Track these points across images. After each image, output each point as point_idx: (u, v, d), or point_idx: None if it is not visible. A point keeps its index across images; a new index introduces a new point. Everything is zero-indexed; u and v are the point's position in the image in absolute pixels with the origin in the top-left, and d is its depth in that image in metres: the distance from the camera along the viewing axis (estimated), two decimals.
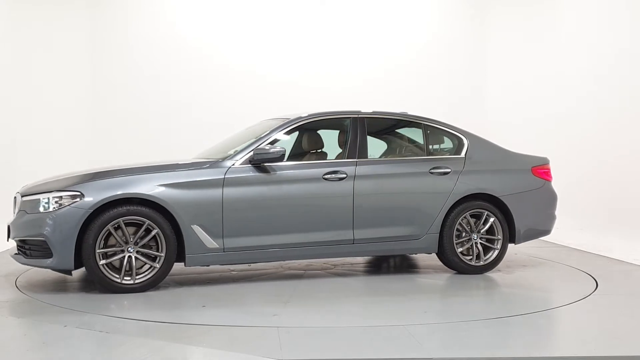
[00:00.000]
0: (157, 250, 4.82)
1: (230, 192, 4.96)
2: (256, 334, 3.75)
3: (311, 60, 10.13)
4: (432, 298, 4.89)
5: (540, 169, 5.95)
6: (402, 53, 10.28)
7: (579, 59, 9.12)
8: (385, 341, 3.60)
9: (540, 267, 6.07)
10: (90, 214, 4.64)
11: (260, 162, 5.07)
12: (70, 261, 4.63)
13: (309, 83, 9.92)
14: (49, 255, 4.65)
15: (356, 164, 5.36)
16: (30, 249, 4.79)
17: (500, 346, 3.63)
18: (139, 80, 9.91)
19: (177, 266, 5.04)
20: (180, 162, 5.15)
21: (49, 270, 5.05)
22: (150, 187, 4.78)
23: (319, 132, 5.72)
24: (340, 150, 5.60)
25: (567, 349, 3.67)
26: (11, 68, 9.34)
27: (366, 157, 5.45)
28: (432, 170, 5.56)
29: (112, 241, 4.75)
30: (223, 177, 4.98)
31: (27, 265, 4.91)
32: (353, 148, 5.45)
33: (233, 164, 5.06)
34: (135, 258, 4.77)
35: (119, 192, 4.70)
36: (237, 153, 5.16)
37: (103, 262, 4.69)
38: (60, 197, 4.69)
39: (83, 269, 4.79)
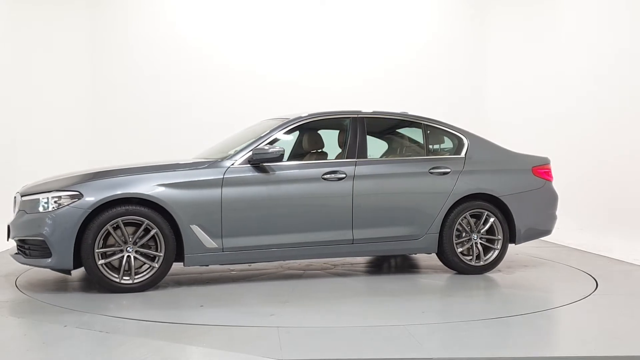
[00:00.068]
0: (156, 250, 4.82)
1: (229, 192, 4.96)
2: (256, 333, 3.75)
3: (311, 60, 10.12)
4: (432, 298, 4.89)
5: (540, 169, 5.95)
6: (402, 53, 10.27)
7: (579, 59, 9.11)
8: (385, 341, 3.60)
9: (540, 267, 6.07)
10: (90, 213, 4.64)
11: (259, 162, 5.07)
12: (69, 261, 4.63)
13: (309, 83, 9.91)
14: (48, 255, 4.65)
15: (355, 164, 5.36)
16: (30, 248, 4.79)
17: (500, 346, 3.62)
18: (139, 80, 9.90)
19: (177, 266, 5.04)
20: (179, 162, 5.14)
21: (49, 270, 5.06)
22: (149, 187, 4.78)
23: (319, 132, 5.72)
24: (340, 150, 5.60)
25: (567, 349, 3.66)
26: (11, 68, 9.34)
27: (365, 157, 5.45)
28: (432, 170, 5.56)
29: (111, 241, 4.76)
30: (222, 177, 4.98)
31: (27, 264, 4.91)
32: (352, 148, 5.44)
33: (232, 164, 5.06)
34: (134, 258, 4.77)
35: (117, 192, 4.71)
36: (236, 153, 5.16)
37: (102, 261, 4.69)
38: (60, 197, 4.69)
39: (83, 269, 4.79)
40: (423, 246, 5.51)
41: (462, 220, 5.55)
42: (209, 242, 4.90)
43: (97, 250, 4.67)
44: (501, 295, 5.02)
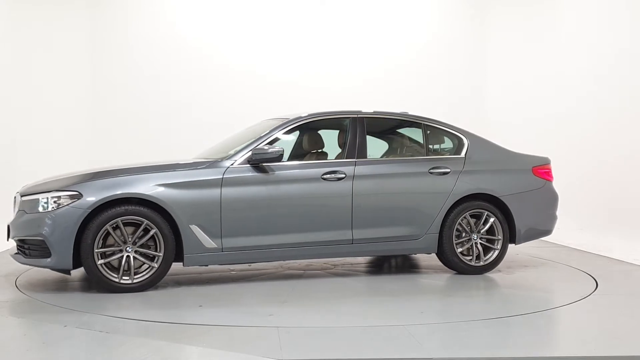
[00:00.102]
0: (156, 250, 4.82)
1: (228, 192, 4.96)
2: (256, 333, 3.75)
3: (311, 60, 10.12)
4: (432, 298, 4.89)
5: (541, 169, 5.94)
6: (402, 53, 10.27)
7: (579, 59, 9.11)
8: (385, 341, 3.60)
9: (540, 267, 6.07)
10: (89, 213, 4.64)
11: (258, 162, 5.07)
12: (68, 261, 4.63)
13: (309, 83, 9.91)
14: (48, 254, 4.65)
15: (355, 164, 5.36)
16: (30, 248, 4.80)
17: (500, 346, 3.62)
18: (139, 80, 9.90)
19: (176, 266, 5.04)
20: (178, 162, 5.14)
21: (49, 270, 5.06)
22: (149, 187, 4.78)
23: (319, 132, 5.71)
24: (340, 150, 5.60)
25: (567, 349, 3.66)
26: (11, 68, 9.33)
27: (365, 157, 5.45)
28: (432, 170, 5.56)
29: (111, 241, 4.76)
30: (221, 177, 4.98)
31: (27, 264, 4.92)
32: (352, 148, 5.44)
33: (232, 164, 5.06)
34: (134, 258, 4.77)
35: (117, 192, 4.71)
36: (235, 153, 5.16)
37: (101, 261, 4.70)
38: (59, 197, 4.70)
39: (82, 269, 4.78)
40: (423, 246, 5.50)
41: (462, 220, 5.54)
42: (208, 242, 4.90)
43: (96, 250, 4.67)
44: (501, 295, 5.02)
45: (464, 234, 5.58)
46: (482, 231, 5.61)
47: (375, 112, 5.75)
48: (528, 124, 9.95)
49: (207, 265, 5.17)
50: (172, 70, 9.91)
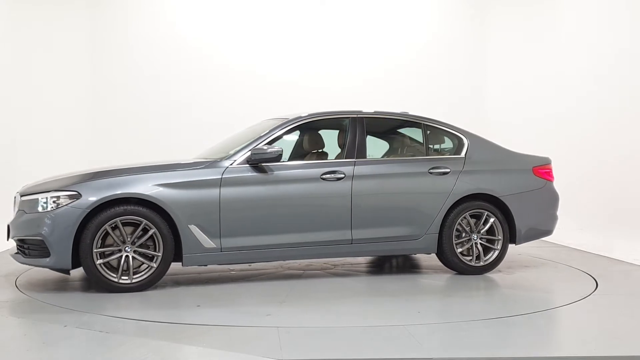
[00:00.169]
0: (155, 250, 4.82)
1: (227, 192, 4.96)
2: (256, 333, 3.75)
3: (311, 60, 10.12)
4: (432, 298, 4.89)
5: (541, 169, 5.94)
6: (402, 53, 10.27)
7: (579, 59, 9.11)
8: (385, 341, 3.60)
9: (540, 267, 6.07)
10: (88, 213, 4.64)
11: (258, 162, 5.07)
12: (67, 261, 4.63)
13: (309, 83, 9.91)
14: (47, 254, 4.65)
15: (354, 164, 5.35)
16: (29, 248, 4.80)
17: (500, 346, 3.62)
18: (139, 80, 9.90)
19: (175, 266, 5.04)
20: (177, 162, 5.14)
21: (49, 269, 5.06)
22: (148, 187, 4.78)
23: (319, 132, 5.71)
24: (340, 150, 5.59)
25: (567, 349, 3.66)
26: (11, 68, 9.33)
27: (365, 157, 5.44)
28: (431, 170, 5.55)
29: (110, 241, 4.76)
30: (220, 177, 4.97)
31: (26, 264, 4.92)
32: (352, 148, 5.44)
33: (231, 164, 5.06)
34: (133, 258, 4.77)
35: (115, 192, 4.71)
36: (234, 153, 5.16)
37: (100, 261, 4.70)
38: (58, 197, 4.70)
39: (82, 269, 4.78)
40: (422, 246, 5.50)
41: (461, 220, 5.54)
42: (207, 242, 4.90)
43: (95, 250, 4.67)
44: (501, 295, 5.02)
45: (463, 234, 5.58)
46: (482, 231, 5.60)
47: (375, 112, 5.75)
48: (528, 124, 9.94)
49: (206, 265, 5.17)
50: (172, 70, 9.91)
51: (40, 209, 4.72)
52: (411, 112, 5.93)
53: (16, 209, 4.98)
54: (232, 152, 5.21)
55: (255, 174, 5.07)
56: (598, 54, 8.71)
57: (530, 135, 9.62)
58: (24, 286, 5.05)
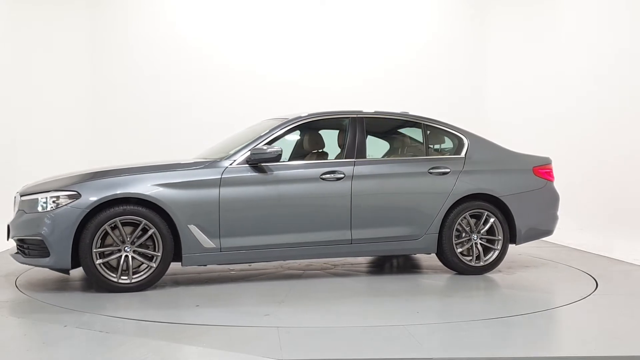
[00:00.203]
0: (154, 250, 4.82)
1: (227, 192, 4.96)
2: (256, 333, 3.75)
3: (311, 60, 10.12)
4: (432, 298, 4.89)
5: (542, 169, 5.93)
6: (402, 53, 10.26)
7: (579, 59, 9.10)
8: (385, 341, 3.60)
9: (540, 267, 6.07)
10: (87, 213, 4.64)
11: (257, 162, 5.07)
12: (67, 260, 4.64)
13: (309, 83, 9.91)
14: (47, 254, 4.66)
15: (354, 164, 5.35)
16: (29, 248, 4.80)
17: (500, 346, 3.62)
18: (139, 80, 9.89)
19: (175, 266, 5.04)
20: (177, 162, 5.14)
21: (49, 269, 5.06)
22: (147, 187, 4.79)
23: (320, 132, 5.71)
24: (340, 150, 5.59)
25: (567, 349, 3.66)
26: (11, 68, 9.33)
27: (364, 157, 5.44)
28: (431, 170, 5.55)
29: (109, 241, 4.76)
30: (220, 177, 4.97)
31: (26, 264, 4.92)
32: (351, 148, 5.44)
33: (230, 164, 5.06)
34: (132, 257, 4.77)
35: (114, 192, 4.71)
36: (234, 153, 5.16)
37: (100, 261, 4.70)
38: (58, 197, 4.70)
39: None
40: (422, 246, 5.50)
41: (461, 220, 5.54)
42: (206, 242, 4.90)
43: (94, 250, 4.67)
44: (501, 295, 5.02)
45: (463, 234, 5.58)
46: (482, 231, 5.60)
47: (375, 112, 5.74)
48: (528, 124, 9.94)
49: (205, 265, 5.17)
50: (172, 70, 9.91)
51: (40, 208, 4.72)
52: (411, 112, 5.92)
53: (16, 209, 4.98)
54: (231, 152, 5.21)
55: (254, 174, 5.07)
56: (598, 54, 8.70)
57: (530, 135, 9.61)
58: (24, 286, 5.05)
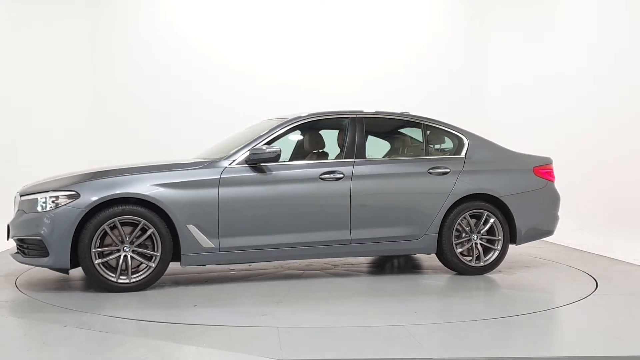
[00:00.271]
0: (153, 250, 4.82)
1: (226, 192, 4.95)
2: (255, 333, 3.74)
3: (311, 60, 10.12)
4: (432, 298, 4.88)
5: (542, 169, 5.93)
6: (402, 53, 10.27)
7: (579, 59, 9.11)
8: (385, 341, 3.59)
9: (540, 267, 6.06)
10: (86, 213, 4.64)
11: (256, 162, 5.06)
12: (66, 260, 4.64)
13: (309, 83, 9.91)
14: (46, 254, 4.66)
15: (354, 164, 5.35)
16: (28, 247, 4.80)
17: (500, 346, 3.62)
18: (139, 80, 9.90)
19: (174, 266, 5.03)
20: (176, 162, 5.14)
21: (49, 269, 5.06)
22: (146, 187, 4.78)
23: (320, 132, 5.71)
24: (339, 150, 5.59)
25: (567, 349, 3.66)
26: (11, 68, 9.33)
27: (364, 157, 5.44)
28: (431, 170, 5.55)
29: (108, 240, 4.76)
30: (219, 177, 4.97)
31: (26, 264, 4.92)
32: (351, 148, 5.43)
33: (229, 164, 5.06)
34: (131, 257, 4.77)
35: (114, 192, 4.71)
36: (233, 153, 5.16)
37: (99, 261, 4.69)
38: (57, 197, 4.70)
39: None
40: (422, 246, 5.49)
41: (461, 220, 5.53)
42: (205, 242, 4.90)
43: (94, 250, 4.67)
44: (501, 295, 5.01)
45: (463, 234, 5.57)
46: (482, 231, 5.60)
47: (375, 112, 5.74)
48: (528, 124, 9.94)
49: (204, 265, 5.16)
50: (172, 70, 9.92)
51: (39, 208, 4.72)
52: (411, 112, 5.92)
53: (16, 209, 4.99)
54: (231, 152, 5.21)
55: (253, 174, 5.07)
56: (598, 54, 8.71)
57: (530, 135, 9.62)
58: (24, 286, 5.05)
